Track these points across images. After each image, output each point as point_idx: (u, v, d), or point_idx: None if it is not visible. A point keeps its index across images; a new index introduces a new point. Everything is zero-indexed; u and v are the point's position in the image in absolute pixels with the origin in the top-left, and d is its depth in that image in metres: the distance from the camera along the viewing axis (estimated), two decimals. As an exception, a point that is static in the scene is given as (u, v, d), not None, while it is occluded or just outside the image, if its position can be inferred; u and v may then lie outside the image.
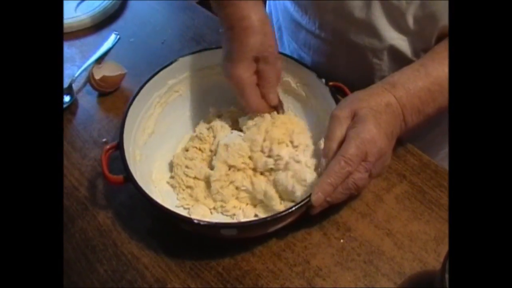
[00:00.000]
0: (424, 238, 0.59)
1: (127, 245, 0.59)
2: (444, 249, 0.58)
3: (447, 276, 0.47)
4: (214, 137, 0.66)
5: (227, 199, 0.61)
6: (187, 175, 0.63)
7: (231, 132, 0.66)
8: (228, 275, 0.57)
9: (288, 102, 0.71)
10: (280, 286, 0.56)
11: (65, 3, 0.85)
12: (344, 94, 0.63)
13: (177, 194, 0.63)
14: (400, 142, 0.58)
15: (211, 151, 0.65)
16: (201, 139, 0.66)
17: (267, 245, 0.59)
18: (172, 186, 0.64)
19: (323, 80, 0.64)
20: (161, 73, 0.65)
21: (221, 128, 0.66)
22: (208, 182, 0.62)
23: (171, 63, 0.66)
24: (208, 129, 0.67)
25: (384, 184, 0.64)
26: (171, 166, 0.66)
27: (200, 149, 0.66)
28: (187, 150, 0.66)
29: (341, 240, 0.59)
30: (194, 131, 0.68)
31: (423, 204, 0.62)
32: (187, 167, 0.64)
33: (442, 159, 0.71)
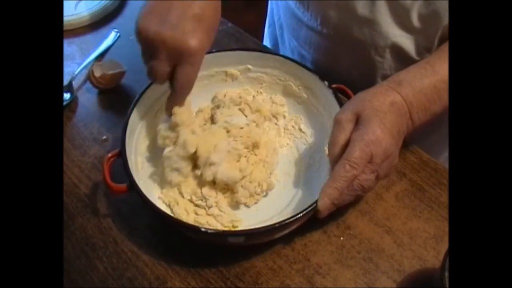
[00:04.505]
0: (423, 236, 0.59)
1: (127, 242, 0.59)
2: (443, 247, 0.58)
3: (446, 274, 0.47)
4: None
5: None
6: None
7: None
8: (228, 272, 0.57)
9: (289, 105, 0.70)
10: (280, 283, 0.56)
11: (64, 1, 0.85)
12: (347, 96, 0.63)
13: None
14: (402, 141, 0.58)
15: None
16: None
17: (267, 243, 0.59)
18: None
19: (326, 83, 0.64)
20: None
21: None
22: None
23: None
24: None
25: (384, 182, 0.64)
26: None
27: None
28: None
29: (341, 238, 0.59)
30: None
31: (422, 202, 0.62)
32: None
33: (444, 162, 0.71)
